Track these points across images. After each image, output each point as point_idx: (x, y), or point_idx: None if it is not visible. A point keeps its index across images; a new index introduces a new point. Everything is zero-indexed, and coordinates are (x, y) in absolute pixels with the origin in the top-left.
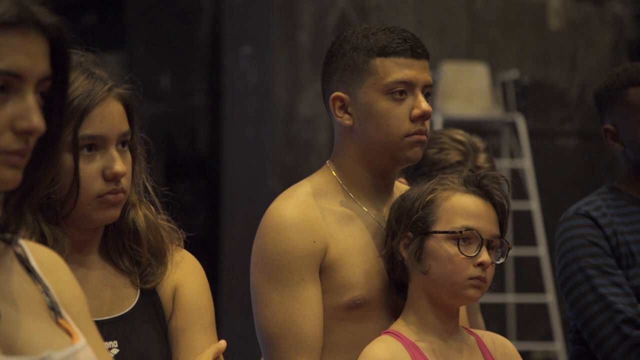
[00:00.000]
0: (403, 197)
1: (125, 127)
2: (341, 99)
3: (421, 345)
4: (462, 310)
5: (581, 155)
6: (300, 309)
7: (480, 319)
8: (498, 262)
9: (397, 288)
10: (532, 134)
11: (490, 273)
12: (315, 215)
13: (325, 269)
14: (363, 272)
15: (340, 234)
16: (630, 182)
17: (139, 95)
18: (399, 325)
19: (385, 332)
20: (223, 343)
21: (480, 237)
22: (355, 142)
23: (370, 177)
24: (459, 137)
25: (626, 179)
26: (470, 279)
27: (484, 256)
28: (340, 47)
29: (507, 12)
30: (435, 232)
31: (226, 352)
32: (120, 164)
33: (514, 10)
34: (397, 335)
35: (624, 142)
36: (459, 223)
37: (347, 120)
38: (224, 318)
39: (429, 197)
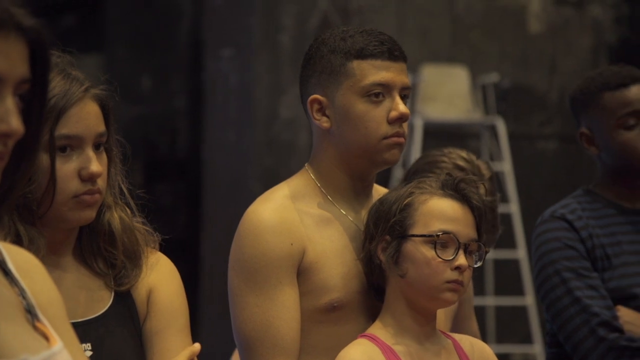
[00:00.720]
0: (381, 200)
1: (101, 127)
2: (319, 102)
3: (397, 348)
4: (440, 313)
5: (561, 159)
6: (278, 312)
7: (475, 325)
8: (475, 266)
9: (374, 292)
10: (512, 137)
11: (467, 276)
12: (293, 218)
13: (302, 272)
14: (341, 275)
15: (318, 237)
16: (606, 185)
17: (115, 97)
18: (375, 329)
19: (362, 336)
20: (197, 346)
21: (458, 240)
22: (333, 144)
23: (348, 180)
24: (462, 163)
25: (602, 183)
26: (448, 282)
27: (461, 260)
28: (317, 50)
29: (488, 15)
30: (413, 235)
31: (206, 354)
32: (97, 164)
33: (495, 13)
34: (374, 339)
35: (599, 146)
36: (436, 227)
37: (324, 122)
38: (204, 320)
39: (406, 201)
